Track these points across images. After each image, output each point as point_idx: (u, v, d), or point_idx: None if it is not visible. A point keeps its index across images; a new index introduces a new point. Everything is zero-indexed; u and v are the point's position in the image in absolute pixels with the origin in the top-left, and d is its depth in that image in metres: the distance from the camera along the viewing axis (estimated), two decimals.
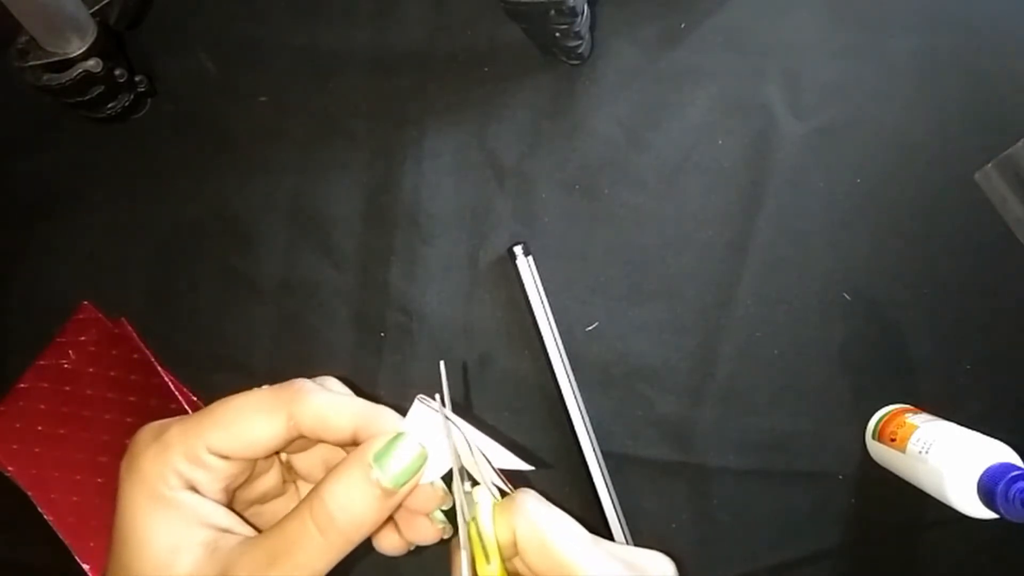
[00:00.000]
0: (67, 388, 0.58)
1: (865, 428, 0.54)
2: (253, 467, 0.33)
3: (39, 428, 0.57)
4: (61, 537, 0.56)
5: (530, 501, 0.31)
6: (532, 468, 0.32)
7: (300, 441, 0.33)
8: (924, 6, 0.56)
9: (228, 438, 0.30)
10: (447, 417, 0.31)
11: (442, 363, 0.32)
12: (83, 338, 0.59)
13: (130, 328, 0.59)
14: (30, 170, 0.62)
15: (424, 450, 0.30)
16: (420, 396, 0.31)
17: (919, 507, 0.52)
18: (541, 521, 0.30)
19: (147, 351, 0.58)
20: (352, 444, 0.31)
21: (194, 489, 0.30)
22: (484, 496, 0.31)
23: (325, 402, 0.31)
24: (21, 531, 0.57)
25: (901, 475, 0.50)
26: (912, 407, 0.53)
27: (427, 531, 0.32)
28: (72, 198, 0.61)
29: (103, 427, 0.57)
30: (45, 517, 0.56)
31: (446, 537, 0.32)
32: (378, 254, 0.58)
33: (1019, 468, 0.43)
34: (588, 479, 0.54)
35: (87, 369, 0.58)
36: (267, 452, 0.31)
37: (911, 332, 0.55)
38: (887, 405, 0.54)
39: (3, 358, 0.59)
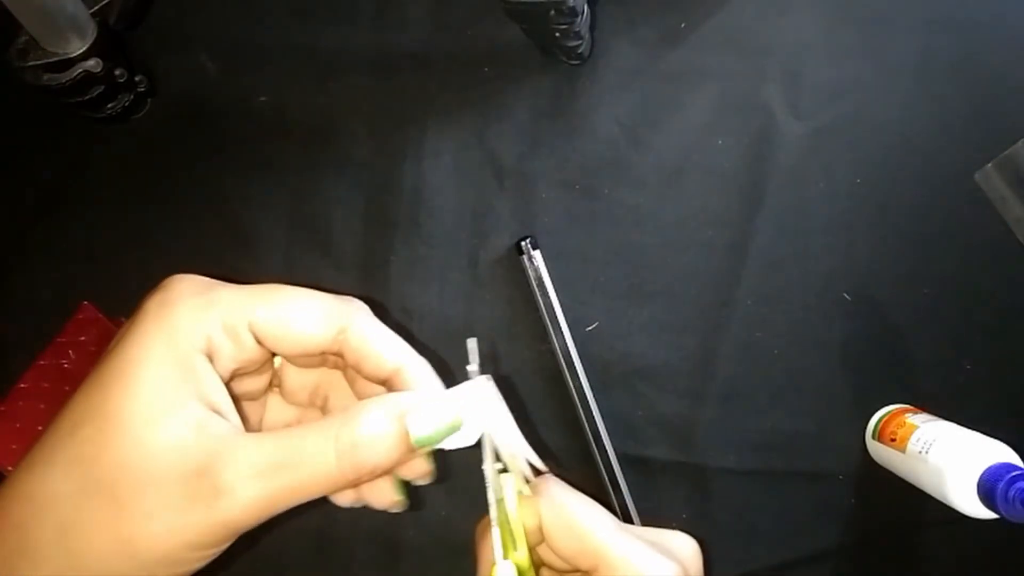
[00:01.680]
0: (67, 388, 0.58)
1: (865, 428, 0.54)
2: (263, 364, 0.32)
3: (39, 428, 0.57)
4: None
5: (554, 487, 0.31)
6: (546, 470, 0.32)
7: (308, 357, 0.32)
8: (924, 6, 0.56)
9: (275, 322, 0.29)
10: (489, 396, 0.30)
11: (472, 341, 0.31)
12: (83, 338, 0.59)
13: None
14: (30, 170, 0.62)
15: (458, 423, 0.29)
16: (485, 376, 0.31)
17: (919, 507, 0.52)
18: (567, 506, 0.30)
19: None
20: (381, 383, 0.31)
21: (210, 359, 0.28)
22: (508, 482, 0.31)
23: (379, 331, 0.31)
24: None
25: (901, 475, 0.50)
26: (912, 407, 0.53)
27: (384, 496, 0.31)
28: (72, 198, 0.61)
29: None
30: None
31: (394, 511, 0.32)
32: (378, 254, 0.58)
33: (1019, 468, 0.43)
34: (594, 477, 0.55)
35: (87, 369, 0.58)
36: (301, 352, 0.30)
37: (911, 332, 0.55)
38: (887, 405, 0.54)
39: (3, 358, 0.59)
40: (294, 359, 0.33)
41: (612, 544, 0.29)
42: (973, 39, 0.56)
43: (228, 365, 0.29)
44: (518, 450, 0.31)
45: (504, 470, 0.32)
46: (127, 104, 0.58)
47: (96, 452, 0.26)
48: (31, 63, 0.52)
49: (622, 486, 0.54)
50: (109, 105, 0.57)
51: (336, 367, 0.34)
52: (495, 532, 0.30)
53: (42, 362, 0.58)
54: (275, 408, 0.35)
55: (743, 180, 0.56)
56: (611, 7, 0.57)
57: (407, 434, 0.28)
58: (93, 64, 0.53)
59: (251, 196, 0.60)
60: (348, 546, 0.57)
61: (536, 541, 0.31)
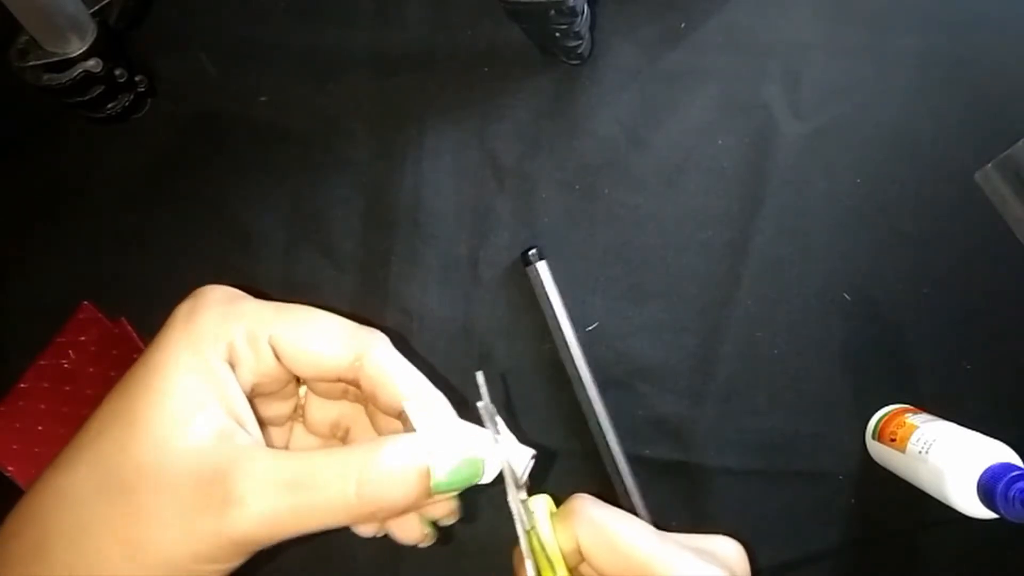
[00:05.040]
0: (67, 388, 0.58)
1: (865, 428, 0.54)
2: (284, 385, 0.32)
3: (39, 428, 0.57)
4: None
5: (588, 505, 0.30)
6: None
7: (329, 386, 0.32)
8: (924, 6, 0.56)
9: (293, 340, 0.30)
10: (497, 427, 0.31)
11: (480, 374, 0.31)
12: (83, 338, 0.59)
13: (130, 328, 0.59)
14: (30, 170, 0.62)
15: (479, 473, 0.29)
16: (481, 404, 0.31)
17: (919, 507, 0.52)
18: (604, 523, 0.30)
19: None
20: (396, 416, 0.31)
21: (232, 368, 0.29)
22: (540, 506, 0.31)
23: (397, 362, 0.31)
24: None
25: (901, 475, 0.50)
26: (912, 407, 0.53)
27: (412, 531, 0.31)
28: (72, 198, 0.61)
29: None
30: None
31: (422, 545, 0.32)
32: (378, 254, 0.58)
33: (1019, 468, 0.43)
34: (596, 478, 0.55)
35: (87, 369, 0.58)
36: (318, 374, 0.31)
37: (911, 332, 0.55)
38: (887, 405, 0.54)
39: (3, 358, 0.59)
40: (314, 384, 0.33)
41: (657, 556, 0.29)
42: (973, 39, 0.56)
43: (249, 377, 0.29)
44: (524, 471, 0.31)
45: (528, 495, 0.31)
46: (127, 104, 0.58)
47: (117, 453, 0.26)
48: (31, 63, 0.52)
49: (630, 488, 0.54)
50: (109, 105, 0.57)
51: (357, 400, 0.34)
52: (528, 565, 0.29)
53: (42, 362, 0.58)
54: (299, 438, 0.35)
55: (743, 180, 0.56)
56: (611, 7, 0.57)
57: (427, 479, 0.28)
58: (93, 64, 0.53)
59: (251, 196, 0.60)
60: (348, 546, 0.57)
61: (576, 562, 0.30)
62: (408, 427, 0.30)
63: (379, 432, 0.33)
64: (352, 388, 0.32)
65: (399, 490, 0.28)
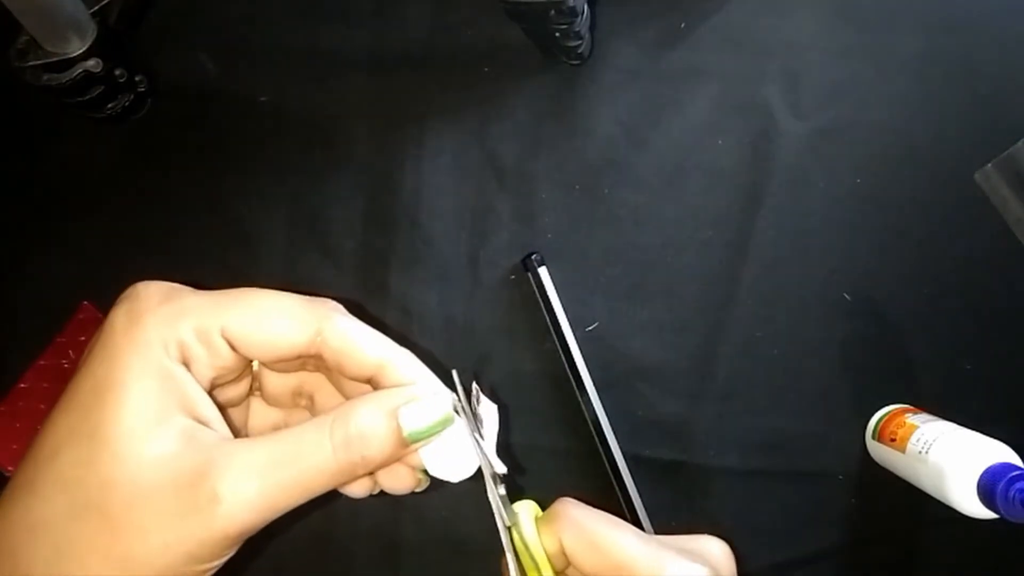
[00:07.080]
0: None
1: (865, 428, 0.54)
2: (243, 371, 0.31)
3: (39, 428, 0.57)
4: None
5: (571, 508, 0.30)
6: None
7: (287, 362, 0.32)
8: (924, 6, 0.56)
9: (249, 328, 0.29)
10: (477, 421, 0.31)
11: (454, 372, 0.32)
12: (83, 338, 0.59)
13: None
14: (30, 170, 0.62)
15: (451, 417, 0.29)
16: (476, 386, 0.31)
17: (919, 507, 0.52)
18: (587, 525, 0.30)
19: None
20: (366, 382, 0.31)
21: (186, 367, 0.28)
22: (524, 508, 0.31)
23: (358, 330, 0.30)
24: None
25: (901, 475, 0.50)
26: (912, 407, 0.53)
27: (404, 481, 0.31)
28: (72, 198, 0.61)
29: None
30: None
31: (418, 490, 0.32)
32: (378, 254, 0.58)
33: (1019, 468, 0.43)
34: (596, 478, 0.55)
35: None
36: (278, 357, 0.30)
37: (911, 332, 0.55)
38: (887, 405, 0.54)
39: (3, 358, 0.59)
40: (271, 364, 0.33)
41: (639, 556, 0.29)
42: (973, 39, 0.56)
43: (206, 373, 0.29)
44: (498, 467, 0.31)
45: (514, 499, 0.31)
46: (127, 104, 0.58)
47: (82, 473, 0.26)
48: (31, 63, 0.52)
49: (630, 488, 0.54)
50: (109, 105, 0.57)
51: (316, 370, 0.33)
52: (510, 560, 0.29)
53: (42, 362, 0.58)
54: (258, 412, 0.34)
55: (743, 180, 0.56)
56: (611, 7, 0.57)
57: (400, 429, 0.28)
58: (93, 64, 0.53)
59: (251, 196, 0.60)
60: (348, 546, 0.57)
61: (562, 565, 0.30)
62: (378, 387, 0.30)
63: (346, 395, 0.33)
64: (310, 360, 0.32)
65: (375, 444, 0.28)
